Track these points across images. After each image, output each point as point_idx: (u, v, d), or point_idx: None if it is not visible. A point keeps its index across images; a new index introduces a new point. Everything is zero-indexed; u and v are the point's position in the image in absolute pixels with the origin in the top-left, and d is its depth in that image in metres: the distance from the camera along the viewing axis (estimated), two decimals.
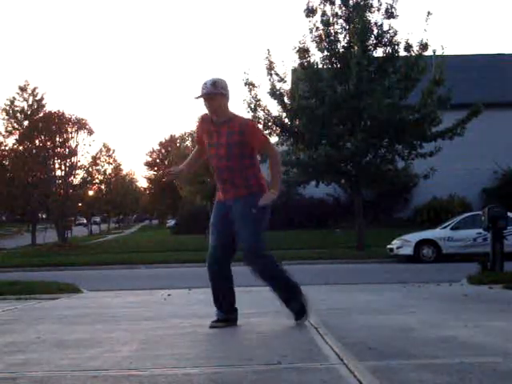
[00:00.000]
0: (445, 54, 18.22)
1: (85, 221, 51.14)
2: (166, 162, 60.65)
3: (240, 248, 4.09)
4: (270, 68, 18.46)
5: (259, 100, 18.43)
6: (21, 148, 30.06)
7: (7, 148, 33.39)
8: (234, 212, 4.08)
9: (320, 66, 18.65)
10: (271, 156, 4.21)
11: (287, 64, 19.59)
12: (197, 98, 4.09)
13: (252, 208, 4.03)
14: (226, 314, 4.18)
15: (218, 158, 4.11)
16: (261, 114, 18.54)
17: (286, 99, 18.66)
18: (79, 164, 29.07)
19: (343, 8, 18.34)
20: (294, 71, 19.20)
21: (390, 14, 18.19)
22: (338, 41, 18.42)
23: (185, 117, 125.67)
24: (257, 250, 4.04)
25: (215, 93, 4.04)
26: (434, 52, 20.82)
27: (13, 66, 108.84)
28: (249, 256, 4.03)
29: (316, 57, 18.62)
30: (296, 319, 4.11)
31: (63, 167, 28.28)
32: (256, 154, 4.25)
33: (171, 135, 63.26)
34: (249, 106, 18.42)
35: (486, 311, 4.92)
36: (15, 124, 37.19)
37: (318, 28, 18.39)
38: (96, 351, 3.37)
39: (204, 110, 4.19)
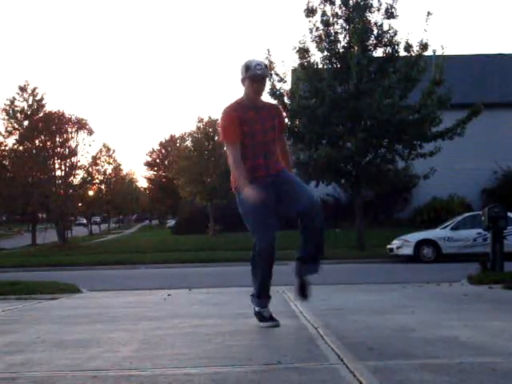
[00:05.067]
0: (445, 53, 18.22)
1: (85, 221, 51.11)
2: (166, 162, 60.69)
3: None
4: (270, 68, 18.44)
5: None
6: (21, 148, 30.07)
7: (7, 148, 33.42)
8: (282, 181, 4.07)
9: (320, 66, 18.65)
10: (286, 141, 4.53)
11: (287, 64, 19.64)
12: (254, 77, 3.97)
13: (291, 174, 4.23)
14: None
15: (264, 143, 4.07)
16: None
17: (286, 99, 18.66)
18: (79, 164, 29.17)
19: (343, 8, 18.35)
20: (294, 71, 19.20)
21: (390, 14, 18.20)
22: (338, 41, 18.44)
23: (185, 117, 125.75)
24: (319, 203, 4.17)
25: (267, 76, 4.15)
26: (434, 52, 20.82)
27: (13, 65, 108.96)
28: (316, 207, 4.07)
29: (316, 57, 18.67)
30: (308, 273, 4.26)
31: (63, 167, 28.30)
32: None
33: (171, 135, 63.25)
34: None
35: (486, 311, 4.92)
36: (15, 124, 37.13)
37: (318, 28, 18.41)
38: (96, 351, 3.37)
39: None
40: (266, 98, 19.64)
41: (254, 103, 4.07)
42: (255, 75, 3.95)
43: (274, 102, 18.53)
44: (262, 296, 4.16)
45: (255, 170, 4.06)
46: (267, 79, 4.22)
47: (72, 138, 28.06)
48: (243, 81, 4.03)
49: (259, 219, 3.95)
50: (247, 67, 3.98)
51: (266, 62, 18.43)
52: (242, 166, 3.98)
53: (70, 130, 27.99)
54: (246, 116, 4.02)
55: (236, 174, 4.01)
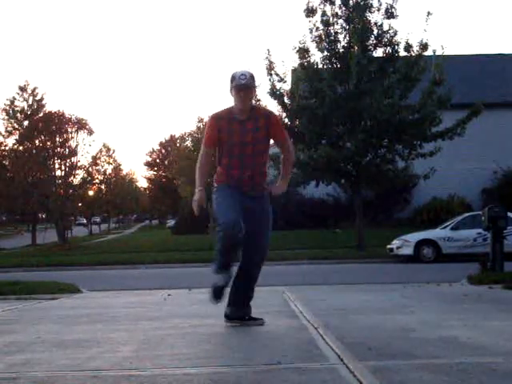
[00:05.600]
0: (445, 53, 18.21)
1: (85, 221, 51.11)
2: (166, 162, 60.74)
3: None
4: (270, 68, 18.45)
5: (259, 100, 18.43)
6: (21, 148, 30.07)
7: (7, 148, 33.41)
8: (255, 209, 4.07)
9: (320, 66, 18.64)
10: (290, 152, 4.37)
11: (287, 64, 19.60)
12: (238, 87, 4.01)
13: (268, 207, 4.19)
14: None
15: (244, 156, 4.08)
16: None
17: (285, 99, 18.65)
18: (79, 164, 29.17)
19: (343, 8, 18.34)
20: (294, 71, 19.18)
21: (389, 14, 18.19)
22: (338, 41, 18.43)
23: (185, 117, 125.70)
24: (267, 253, 4.22)
25: (253, 86, 4.12)
26: (434, 52, 20.81)
27: (13, 65, 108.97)
28: (263, 257, 4.16)
29: (316, 57, 18.64)
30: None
31: (63, 167, 28.31)
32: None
33: (171, 135, 63.30)
34: None
35: (485, 311, 4.92)
36: (15, 124, 37.18)
37: (318, 28, 18.39)
38: (96, 351, 3.37)
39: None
40: (266, 98, 19.71)
41: (242, 113, 4.09)
42: (238, 85, 4.02)
43: (274, 101, 18.59)
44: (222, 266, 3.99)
45: (229, 179, 4.11)
46: (255, 87, 4.18)
47: (72, 138, 28.09)
48: (231, 91, 4.12)
49: (228, 203, 3.99)
50: (232, 77, 4.09)
51: (266, 62, 18.44)
52: (204, 171, 4.24)
53: (70, 129, 28.01)
54: (229, 126, 4.07)
55: (196, 176, 4.26)
